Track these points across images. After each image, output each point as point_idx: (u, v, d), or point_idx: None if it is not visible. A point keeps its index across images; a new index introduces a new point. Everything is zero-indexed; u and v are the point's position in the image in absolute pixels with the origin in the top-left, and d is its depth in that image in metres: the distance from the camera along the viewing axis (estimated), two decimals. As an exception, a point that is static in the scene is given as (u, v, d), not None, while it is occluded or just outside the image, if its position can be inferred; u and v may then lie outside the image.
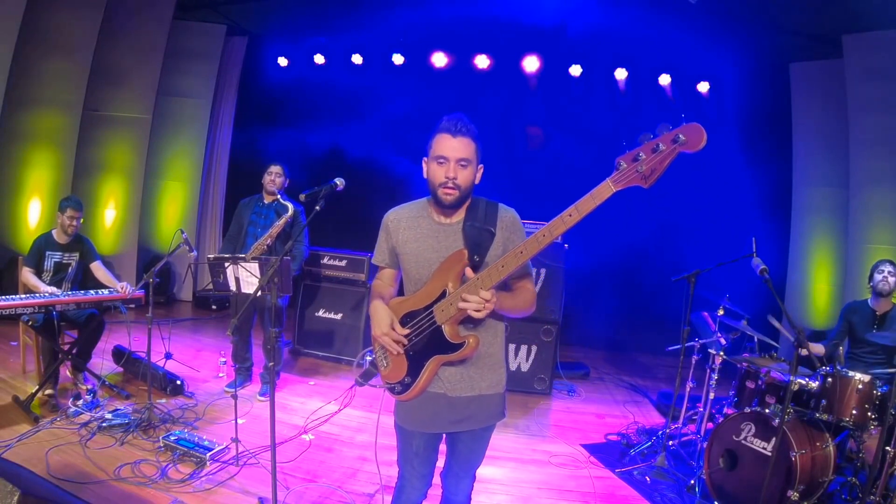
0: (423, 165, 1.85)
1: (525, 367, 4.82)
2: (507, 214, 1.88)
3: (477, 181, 1.85)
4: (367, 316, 2.22)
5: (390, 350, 1.84)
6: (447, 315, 1.76)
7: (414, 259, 1.87)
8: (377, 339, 1.87)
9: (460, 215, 1.86)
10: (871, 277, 3.65)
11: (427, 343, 1.82)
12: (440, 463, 2.07)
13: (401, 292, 2.00)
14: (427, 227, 1.87)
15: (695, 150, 1.38)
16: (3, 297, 3.44)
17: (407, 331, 1.83)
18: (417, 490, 2.01)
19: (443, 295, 1.78)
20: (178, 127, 6.90)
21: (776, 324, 3.43)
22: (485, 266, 1.74)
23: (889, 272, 3.55)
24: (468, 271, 1.72)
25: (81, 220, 3.88)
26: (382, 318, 1.84)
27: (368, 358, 1.98)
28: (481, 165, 1.85)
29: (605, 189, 1.50)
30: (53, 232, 3.90)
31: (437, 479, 2.09)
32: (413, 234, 1.88)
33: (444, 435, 2.00)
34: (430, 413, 1.89)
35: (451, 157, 1.75)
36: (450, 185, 1.76)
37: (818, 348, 3.70)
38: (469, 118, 1.80)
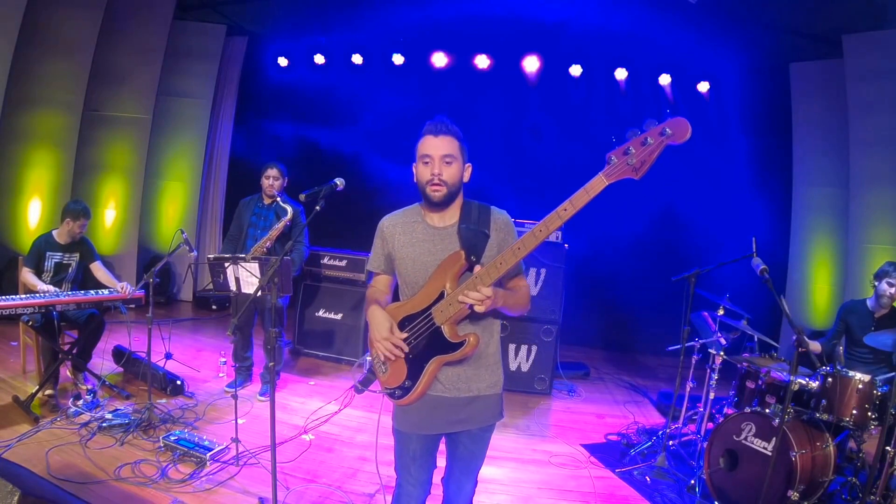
0: (414, 171, 1.88)
1: (525, 367, 4.82)
2: (499, 216, 1.89)
3: (465, 179, 1.87)
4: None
5: (390, 356, 1.82)
6: (446, 315, 1.76)
7: (411, 263, 1.88)
8: (376, 345, 1.85)
9: (454, 218, 1.87)
10: (878, 279, 3.52)
11: (427, 345, 1.81)
12: (439, 470, 2.05)
13: (395, 298, 1.99)
14: (422, 232, 1.89)
15: (680, 141, 1.47)
16: (3, 297, 3.44)
17: (405, 334, 1.82)
18: (415, 499, 1.99)
19: (441, 296, 1.78)
20: (178, 127, 6.89)
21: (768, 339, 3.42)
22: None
23: (888, 283, 3.44)
24: (476, 269, 1.72)
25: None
26: (381, 323, 1.84)
27: (369, 359, 1.97)
28: (469, 164, 1.87)
29: (598, 183, 1.54)
30: (54, 232, 3.90)
31: (436, 480, 2.08)
32: (409, 238, 1.89)
33: (444, 439, 1.99)
34: (428, 415, 1.88)
35: (435, 154, 1.79)
36: (436, 181, 1.79)
37: (815, 346, 3.67)
38: (452, 120, 1.83)
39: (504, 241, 1.86)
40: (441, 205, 1.83)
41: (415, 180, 1.88)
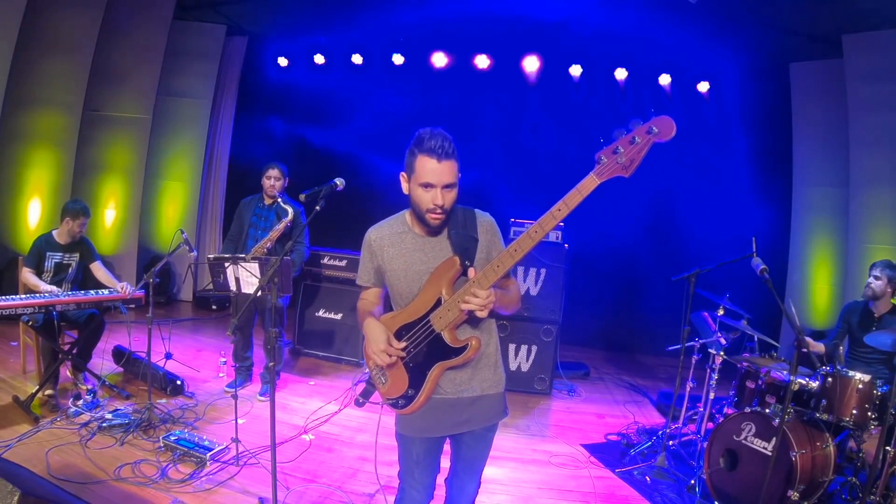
0: (402, 182, 1.81)
1: (525, 367, 4.82)
2: (484, 219, 1.88)
3: None
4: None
5: (382, 364, 1.80)
6: (446, 321, 1.75)
7: (403, 274, 1.86)
8: (373, 357, 1.82)
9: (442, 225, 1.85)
10: (870, 271, 3.60)
11: (427, 352, 1.81)
12: (441, 475, 2.05)
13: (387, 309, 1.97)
14: (412, 242, 1.86)
15: (666, 139, 1.52)
16: (3, 297, 3.44)
17: (404, 344, 1.82)
18: (418, 503, 1.98)
19: (438, 303, 1.77)
20: (178, 127, 6.90)
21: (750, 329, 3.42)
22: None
23: (874, 276, 3.50)
24: (471, 272, 1.72)
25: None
26: (378, 335, 1.81)
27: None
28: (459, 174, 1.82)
29: (590, 182, 1.56)
30: (54, 232, 3.90)
31: (439, 480, 2.07)
32: (398, 250, 1.86)
33: (448, 440, 1.99)
34: (432, 418, 1.88)
35: (438, 183, 1.71)
36: (438, 211, 1.74)
37: (819, 347, 3.67)
38: (447, 127, 1.76)
39: (491, 243, 1.86)
40: (439, 230, 1.81)
41: (405, 192, 1.81)
